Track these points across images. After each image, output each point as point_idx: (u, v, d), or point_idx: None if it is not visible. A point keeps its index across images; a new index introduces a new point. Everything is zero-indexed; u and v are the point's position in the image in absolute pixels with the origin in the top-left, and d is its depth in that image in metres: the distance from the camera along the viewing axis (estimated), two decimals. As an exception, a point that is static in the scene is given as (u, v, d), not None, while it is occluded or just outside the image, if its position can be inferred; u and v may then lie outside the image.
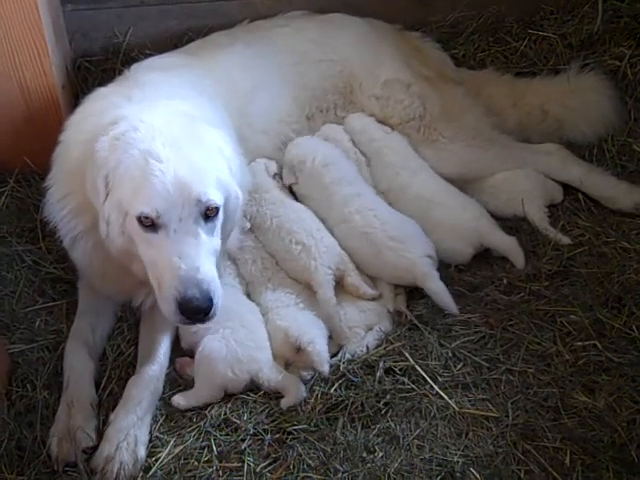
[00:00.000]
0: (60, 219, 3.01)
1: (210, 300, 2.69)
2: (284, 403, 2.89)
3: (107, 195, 2.75)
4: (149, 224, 2.72)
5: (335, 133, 3.67)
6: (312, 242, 3.23)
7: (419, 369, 2.98)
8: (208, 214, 2.76)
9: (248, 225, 3.35)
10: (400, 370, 2.99)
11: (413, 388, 2.93)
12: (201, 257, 2.72)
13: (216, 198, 2.77)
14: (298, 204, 3.43)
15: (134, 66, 3.40)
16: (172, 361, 3.06)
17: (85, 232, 2.97)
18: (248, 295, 3.27)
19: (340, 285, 3.24)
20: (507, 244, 3.38)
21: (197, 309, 2.69)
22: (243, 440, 2.80)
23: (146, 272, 2.83)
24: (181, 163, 2.72)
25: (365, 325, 3.14)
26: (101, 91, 3.19)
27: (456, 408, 2.87)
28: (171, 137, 2.77)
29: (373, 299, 3.21)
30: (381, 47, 3.80)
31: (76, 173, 2.88)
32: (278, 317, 3.10)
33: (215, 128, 2.95)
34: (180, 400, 2.92)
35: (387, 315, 3.19)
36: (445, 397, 2.91)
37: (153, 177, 2.69)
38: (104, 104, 3.04)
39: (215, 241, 2.82)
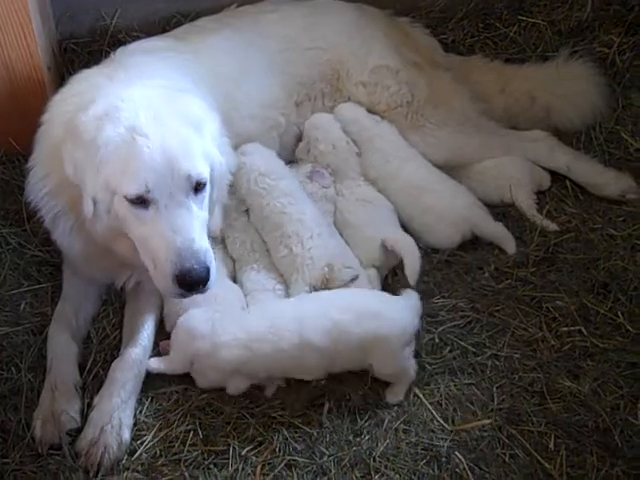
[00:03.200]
0: (40, 199, 2.99)
1: (208, 269, 2.70)
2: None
3: (94, 175, 2.73)
4: (139, 201, 2.70)
5: (325, 122, 3.65)
6: (299, 251, 3.16)
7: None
8: (197, 187, 2.76)
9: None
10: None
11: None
12: (195, 229, 2.73)
13: (204, 171, 2.78)
14: (308, 202, 3.35)
15: (120, 49, 3.37)
16: (156, 344, 3.03)
17: (65, 212, 2.95)
18: (234, 279, 3.26)
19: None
20: (498, 232, 3.39)
21: (197, 279, 2.69)
22: (228, 423, 2.80)
23: (132, 252, 2.82)
24: (168, 137, 2.72)
25: None
26: (84, 73, 3.17)
27: (442, 393, 2.88)
28: (153, 111, 2.76)
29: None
30: (370, 33, 3.77)
31: (56, 153, 2.86)
32: (253, 301, 3.10)
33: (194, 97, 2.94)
34: (153, 363, 2.91)
35: None
36: (431, 383, 2.92)
37: (141, 154, 2.68)
38: (86, 85, 3.02)
39: (204, 214, 2.82)
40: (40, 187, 2.98)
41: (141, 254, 2.80)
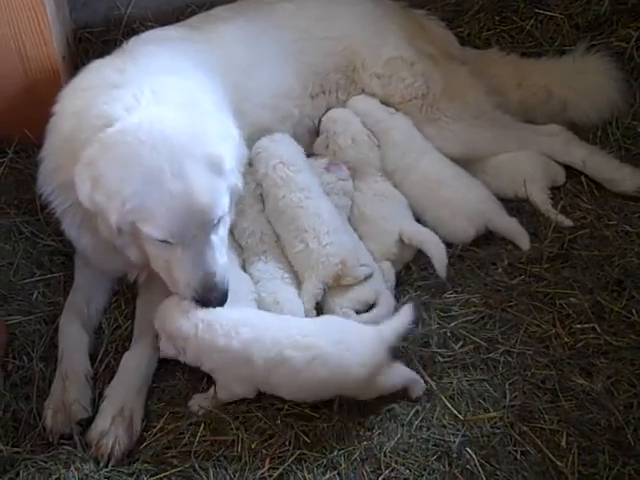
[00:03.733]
0: (51, 192, 2.99)
1: (226, 294, 2.84)
2: None
3: (117, 214, 2.73)
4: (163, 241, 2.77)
5: (344, 116, 3.61)
6: (315, 246, 3.13)
7: (418, 348, 2.98)
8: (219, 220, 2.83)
9: None
10: (398, 349, 2.97)
11: (412, 368, 2.91)
12: (217, 260, 2.81)
13: (226, 206, 2.84)
14: (324, 199, 3.32)
15: (132, 39, 3.35)
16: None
17: (74, 206, 2.94)
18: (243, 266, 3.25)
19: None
20: (512, 227, 3.37)
21: (216, 304, 2.83)
22: (237, 417, 2.80)
23: (146, 261, 2.88)
24: (192, 190, 2.72)
25: (359, 302, 3.10)
26: (95, 63, 3.15)
27: (455, 388, 2.86)
28: (177, 162, 2.72)
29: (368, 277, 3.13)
30: (385, 25, 3.74)
31: (67, 146, 2.86)
32: (262, 289, 3.08)
33: (216, 114, 2.94)
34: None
35: (386, 293, 3.14)
36: (443, 377, 2.91)
37: (167, 209, 2.70)
38: (97, 77, 3.01)
39: (224, 232, 2.89)
40: (51, 180, 2.98)
41: (158, 269, 2.88)
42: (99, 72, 3.06)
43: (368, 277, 3.10)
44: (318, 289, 3.08)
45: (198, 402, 2.85)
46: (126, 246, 2.88)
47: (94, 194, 2.73)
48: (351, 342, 2.78)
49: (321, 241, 3.14)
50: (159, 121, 2.77)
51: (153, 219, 2.72)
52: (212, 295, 2.81)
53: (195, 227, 2.75)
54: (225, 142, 2.88)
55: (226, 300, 2.84)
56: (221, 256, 2.84)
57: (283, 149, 3.40)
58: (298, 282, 3.17)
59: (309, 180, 3.35)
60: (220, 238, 2.85)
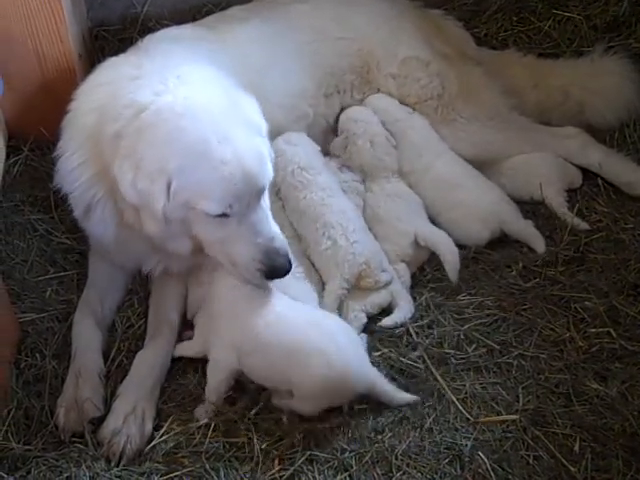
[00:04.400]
0: (74, 189, 2.97)
1: (289, 259, 2.84)
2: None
3: (165, 200, 2.70)
4: (220, 215, 2.75)
5: (365, 116, 3.59)
6: (344, 243, 3.12)
7: (432, 350, 2.97)
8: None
9: None
10: (411, 350, 2.98)
11: (424, 369, 2.92)
12: (272, 225, 2.84)
13: (272, 173, 2.85)
14: (345, 198, 3.33)
15: (147, 37, 3.36)
16: (180, 333, 3.04)
17: (101, 200, 2.92)
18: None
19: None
20: (527, 230, 3.35)
21: (284, 271, 2.84)
22: (249, 417, 2.78)
23: (194, 251, 2.87)
24: (243, 155, 2.72)
25: (373, 305, 3.10)
26: (110, 61, 3.15)
27: (468, 391, 2.85)
28: (222, 129, 2.72)
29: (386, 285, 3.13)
30: (400, 25, 3.73)
31: (92, 141, 2.85)
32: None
33: (245, 94, 2.95)
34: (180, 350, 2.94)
35: (406, 296, 3.14)
36: (456, 379, 2.89)
37: (221, 178, 2.69)
38: (114, 73, 3.01)
39: (268, 200, 2.90)
40: (76, 176, 2.94)
41: (214, 254, 2.86)
42: (115, 68, 3.05)
43: (388, 284, 3.10)
44: (343, 289, 3.07)
45: (204, 409, 2.83)
46: (174, 238, 2.83)
47: (136, 181, 2.68)
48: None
49: (349, 238, 3.13)
50: (194, 96, 2.76)
51: (208, 192, 2.69)
52: (278, 261, 2.79)
53: (249, 194, 2.74)
54: (254, 107, 2.91)
55: (291, 265, 2.84)
56: (273, 221, 2.86)
57: (300, 153, 3.38)
58: (312, 279, 3.16)
59: (329, 180, 3.35)
60: (267, 205, 2.87)
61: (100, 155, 2.80)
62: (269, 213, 2.87)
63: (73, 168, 2.96)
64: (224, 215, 2.74)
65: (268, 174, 2.83)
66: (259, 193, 2.79)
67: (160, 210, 2.70)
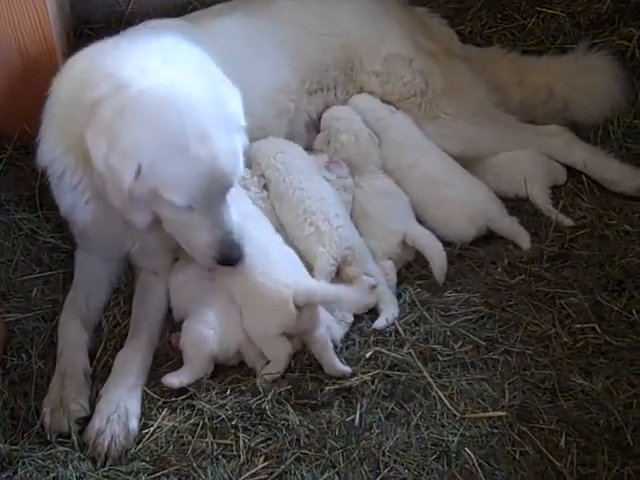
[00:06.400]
0: (53, 160, 2.96)
1: (242, 250, 2.90)
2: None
3: (134, 180, 2.68)
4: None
5: (346, 114, 3.60)
6: (327, 228, 3.13)
7: (419, 346, 2.98)
8: None
9: None
10: (399, 347, 2.98)
11: (411, 367, 2.92)
12: (232, 220, 2.86)
13: (242, 169, 2.88)
14: (326, 183, 3.34)
15: (126, 30, 3.34)
16: (165, 335, 3.05)
17: (73, 168, 2.91)
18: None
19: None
20: (513, 227, 3.36)
21: (233, 262, 2.89)
22: (236, 415, 2.78)
23: (153, 226, 2.88)
24: (219, 157, 2.71)
25: (358, 307, 3.10)
26: (86, 48, 3.09)
27: (454, 387, 2.86)
28: (204, 123, 2.70)
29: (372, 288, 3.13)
30: (384, 21, 3.72)
31: (70, 110, 2.83)
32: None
33: (223, 75, 2.92)
34: (171, 379, 2.87)
35: (391, 297, 3.15)
36: (443, 376, 2.90)
37: (191, 174, 2.69)
38: (94, 51, 2.99)
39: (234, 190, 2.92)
40: (54, 148, 2.94)
41: (171, 232, 2.90)
42: (96, 47, 3.02)
43: (374, 288, 3.11)
44: (332, 265, 3.08)
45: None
46: (135, 211, 2.82)
47: (109, 154, 2.67)
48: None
49: (332, 223, 3.15)
50: (178, 82, 2.73)
51: (177, 185, 2.70)
52: (232, 253, 2.86)
53: (217, 191, 2.78)
54: (237, 101, 2.90)
55: (244, 257, 2.90)
56: (233, 214, 2.89)
57: (282, 143, 3.42)
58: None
59: (308, 164, 3.37)
60: (230, 196, 2.89)
61: (75, 121, 2.77)
62: (231, 205, 2.89)
63: (52, 142, 2.95)
64: (189, 207, 2.75)
65: (239, 172, 2.85)
66: (227, 189, 2.82)
67: (126, 188, 2.70)
